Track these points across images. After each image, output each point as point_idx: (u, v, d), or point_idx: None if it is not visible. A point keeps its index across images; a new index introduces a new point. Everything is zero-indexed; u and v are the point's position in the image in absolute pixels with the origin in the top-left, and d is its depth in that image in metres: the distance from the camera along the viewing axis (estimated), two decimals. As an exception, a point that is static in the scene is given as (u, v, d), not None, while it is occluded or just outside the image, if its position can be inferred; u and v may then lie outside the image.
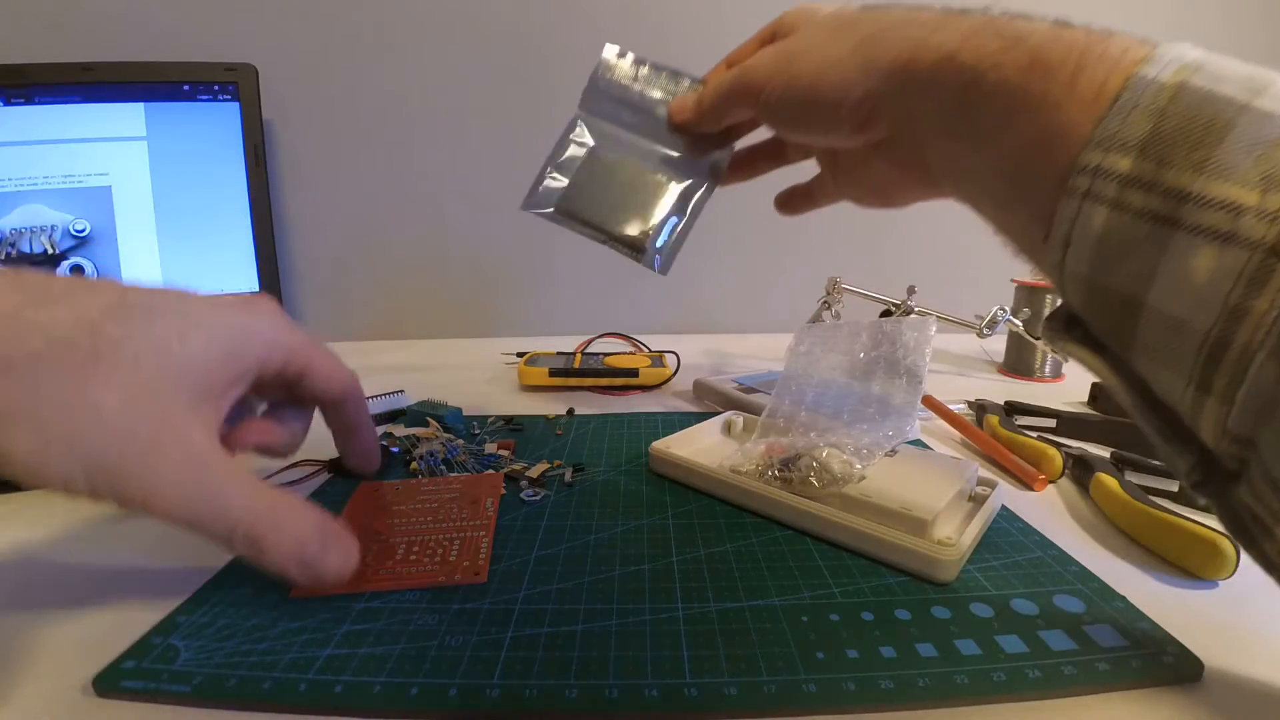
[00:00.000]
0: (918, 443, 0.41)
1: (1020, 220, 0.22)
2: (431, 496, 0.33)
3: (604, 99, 0.34)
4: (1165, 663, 0.21)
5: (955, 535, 0.28)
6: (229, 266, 0.64)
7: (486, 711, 0.19)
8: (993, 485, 0.33)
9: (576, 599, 0.25)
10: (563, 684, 0.20)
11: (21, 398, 0.19)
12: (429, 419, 0.42)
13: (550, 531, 0.30)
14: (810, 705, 0.20)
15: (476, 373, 0.60)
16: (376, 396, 0.46)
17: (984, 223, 0.24)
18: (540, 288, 0.80)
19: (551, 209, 0.33)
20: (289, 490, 0.28)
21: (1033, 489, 0.36)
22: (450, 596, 0.25)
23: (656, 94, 0.34)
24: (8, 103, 0.57)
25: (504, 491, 0.34)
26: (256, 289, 0.65)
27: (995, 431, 0.42)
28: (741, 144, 0.37)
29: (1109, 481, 0.32)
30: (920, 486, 0.30)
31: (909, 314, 0.59)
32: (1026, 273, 0.58)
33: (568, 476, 0.36)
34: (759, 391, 0.47)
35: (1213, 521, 0.24)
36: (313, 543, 0.23)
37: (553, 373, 0.54)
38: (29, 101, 0.58)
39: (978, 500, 0.32)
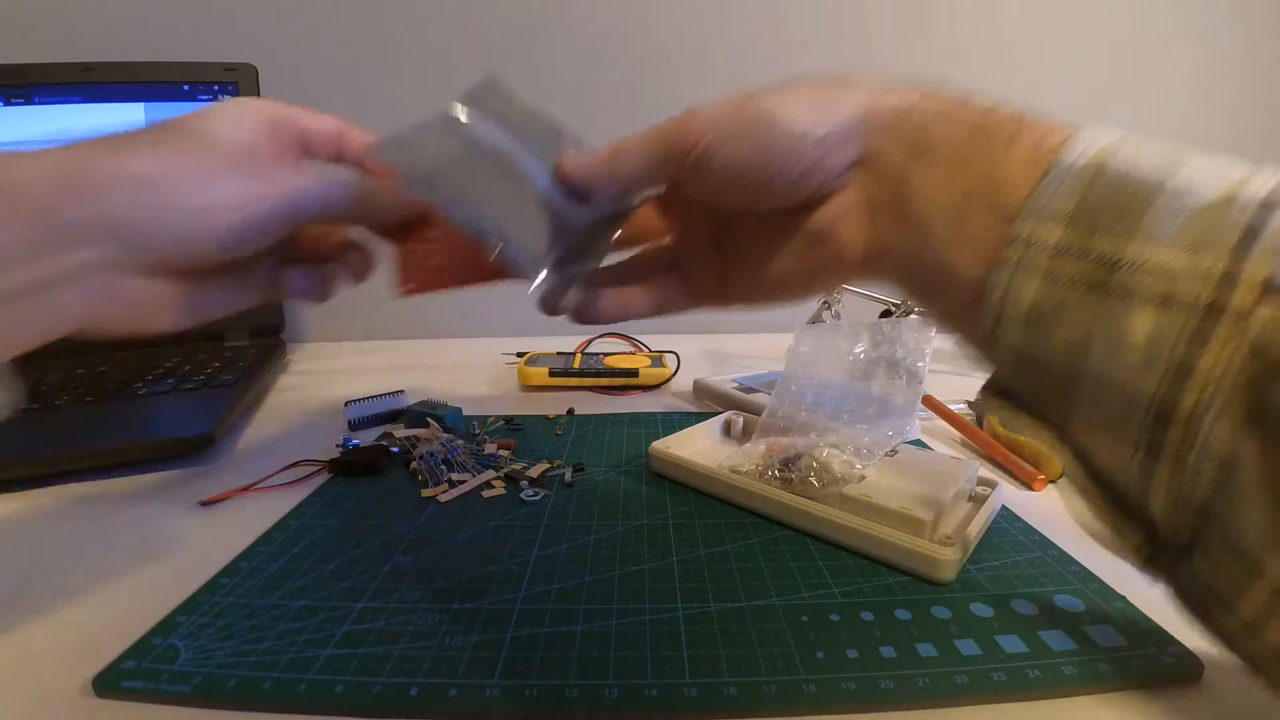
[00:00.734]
0: (918, 443, 0.41)
1: (951, 295, 0.22)
2: None
3: (488, 104, 0.27)
4: (1165, 663, 0.21)
5: (955, 535, 0.28)
6: (229, 266, 0.64)
7: (486, 711, 0.19)
8: (993, 485, 0.33)
9: (576, 599, 0.25)
10: (563, 684, 0.20)
11: (206, 174, 0.24)
12: (429, 419, 0.43)
13: (550, 531, 0.30)
14: (810, 705, 0.20)
15: (476, 373, 0.60)
16: (376, 397, 0.46)
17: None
18: (540, 288, 0.80)
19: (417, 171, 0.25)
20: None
21: (1033, 489, 0.36)
22: (450, 596, 0.25)
23: (533, 133, 0.27)
24: (8, 103, 0.57)
25: (504, 491, 0.34)
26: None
27: (995, 431, 0.42)
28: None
29: (1109, 481, 0.32)
30: (920, 486, 0.30)
31: (909, 314, 0.59)
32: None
33: (568, 476, 0.36)
34: (759, 391, 0.47)
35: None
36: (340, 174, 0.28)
37: (553, 373, 0.54)
38: (29, 101, 0.58)
39: (978, 500, 0.32)
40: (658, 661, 0.21)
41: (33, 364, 0.50)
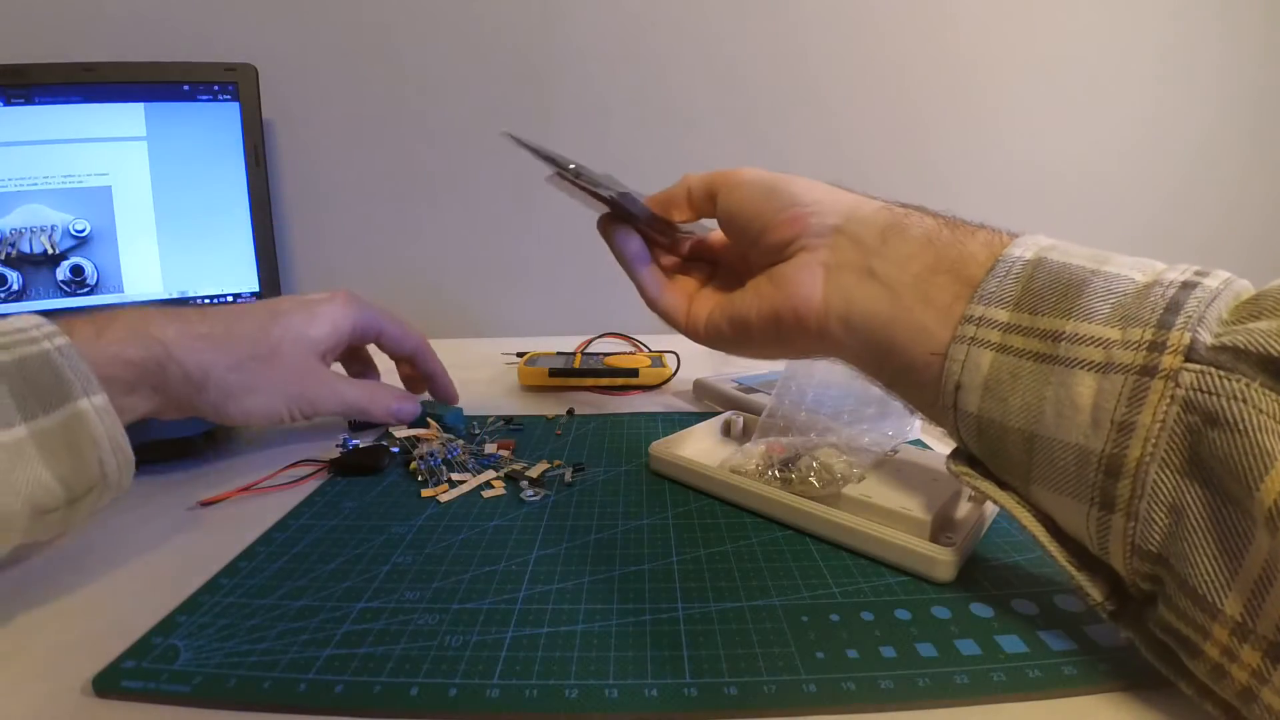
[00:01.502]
0: (918, 443, 0.41)
1: (916, 361, 0.24)
2: None
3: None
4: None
5: (955, 535, 0.28)
6: (229, 266, 0.64)
7: (486, 712, 0.19)
8: (993, 485, 0.32)
9: (576, 599, 0.25)
10: (563, 684, 0.20)
11: (251, 380, 0.34)
12: (429, 419, 0.43)
13: (550, 531, 0.30)
14: (810, 705, 0.20)
15: (476, 373, 0.60)
16: None
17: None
18: (540, 288, 0.80)
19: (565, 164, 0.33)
20: (376, 382, 0.45)
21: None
22: (450, 596, 0.25)
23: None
24: (8, 103, 0.57)
25: (504, 491, 0.34)
26: (256, 289, 0.65)
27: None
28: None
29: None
30: (920, 486, 0.30)
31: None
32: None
33: (568, 476, 0.36)
34: (759, 391, 0.47)
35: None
36: (394, 401, 0.42)
37: (553, 373, 0.54)
38: (29, 101, 0.58)
39: (978, 500, 0.32)
40: (658, 661, 0.21)
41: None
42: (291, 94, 0.71)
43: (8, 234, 0.57)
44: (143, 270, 0.61)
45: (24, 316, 0.25)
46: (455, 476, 0.36)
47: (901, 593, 0.25)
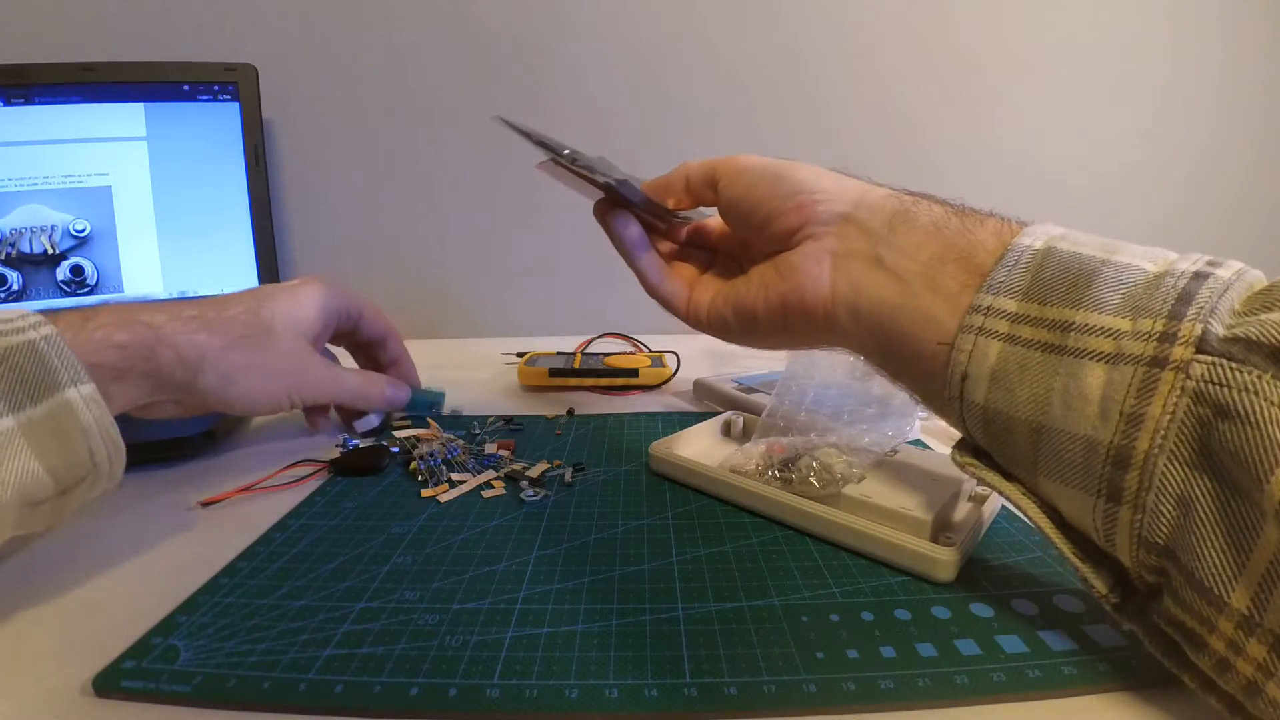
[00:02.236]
0: (918, 443, 0.41)
1: (923, 351, 0.24)
2: None
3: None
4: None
5: (955, 535, 0.28)
6: (229, 266, 0.64)
7: (486, 712, 0.19)
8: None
9: (576, 599, 0.25)
10: (563, 684, 0.20)
11: (248, 361, 0.33)
12: (429, 420, 0.43)
13: (550, 531, 0.30)
14: (810, 705, 0.20)
15: (476, 373, 0.60)
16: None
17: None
18: (540, 288, 0.80)
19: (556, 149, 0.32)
20: (366, 371, 0.43)
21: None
22: (450, 596, 0.25)
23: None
24: (8, 103, 0.57)
25: (504, 491, 0.34)
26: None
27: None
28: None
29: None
30: (920, 486, 0.30)
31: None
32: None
33: (568, 476, 0.36)
34: (759, 391, 0.47)
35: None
36: (388, 387, 0.42)
37: (553, 373, 0.54)
38: (29, 101, 0.58)
39: (978, 500, 0.32)
40: (658, 661, 0.21)
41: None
42: (291, 94, 0.71)
43: (8, 234, 0.57)
44: (143, 270, 0.61)
45: (9, 309, 0.25)
46: (455, 476, 0.36)
47: (901, 593, 0.25)
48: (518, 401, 0.51)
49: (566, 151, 0.31)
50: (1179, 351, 0.18)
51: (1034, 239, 0.22)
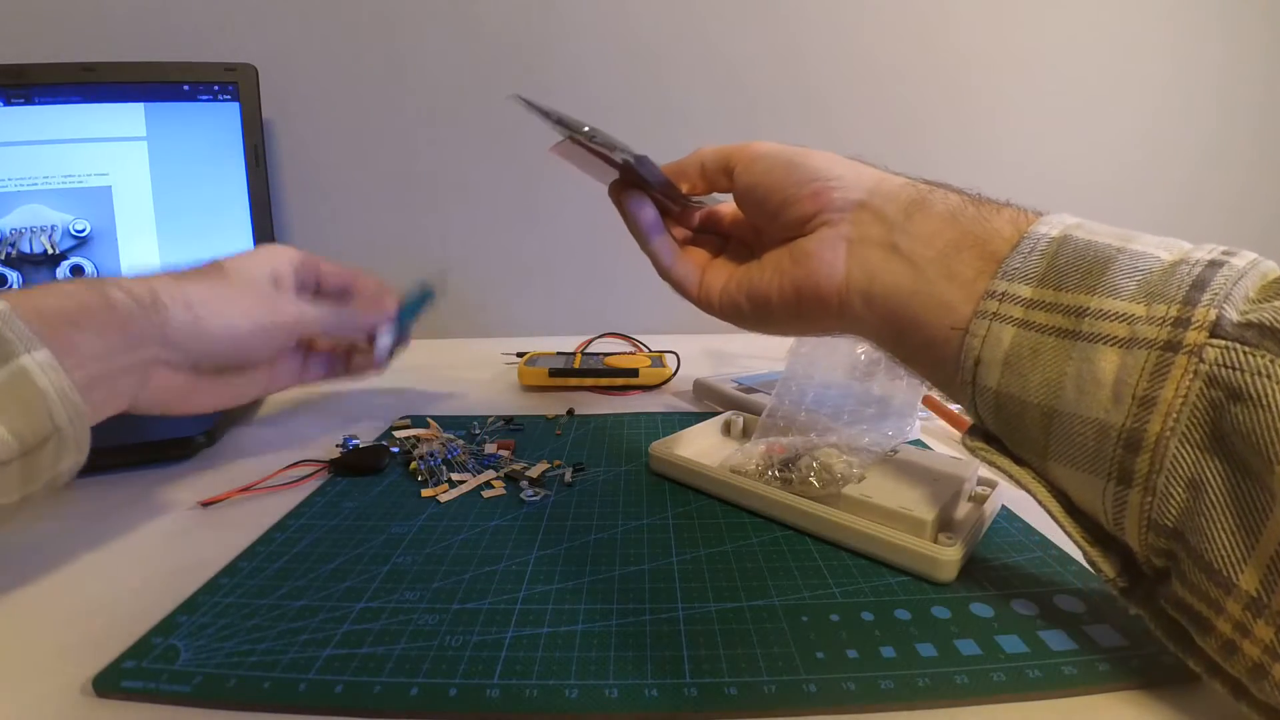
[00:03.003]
0: (918, 443, 0.41)
1: (937, 337, 0.24)
2: None
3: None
4: (1165, 663, 0.21)
5: (955, 535, 0.28)
6: (229, 266, 0.64)
7: (486, 712, 0.19)
8: (993, 485, 0.33)
9: (576, 599, 0.25)
10: (563, 684, 0.20)
11: (209, 294, 0.33)
12: (429, 419, 0.43)
13: (550, 531, 0.30)
14: (810, 705, 0.20)
15: (476, 373, 0.60)
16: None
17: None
18: (540, 288, 0.80)
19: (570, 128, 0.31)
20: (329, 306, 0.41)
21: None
22: (450, 596, 0.25)
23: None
24: (8, 103, 0.57)
25: (504, 491, 0.34)
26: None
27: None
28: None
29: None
30: (920, 486, 0.30)
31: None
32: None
33: (568, 476, 0.36)
34: (759, 391, 0.47)
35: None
36: (368, 316, 0.42)
37: (553, 373, 0.54)
38: (29, 101, 0.58)
39: (978, 500, 0.32)
40: (658, 661, 0.21)
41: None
42: (291, 94, 0.71)
43: (8, 234, 0.57)
44: (143, 270, 0.61)
45: None
46: (455, 476, 0.36)
47: (901, 593, 0.25)
48: (518, 401, 0.51)
49: (587, 129, 0.31)
50: (1193, 336, 0.18)
51: (1050, 227, 0.22)
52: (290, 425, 0.45)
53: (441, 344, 0.75)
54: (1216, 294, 0.18)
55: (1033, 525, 0.30)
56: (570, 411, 0.48)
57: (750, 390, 0.47)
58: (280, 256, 0.38)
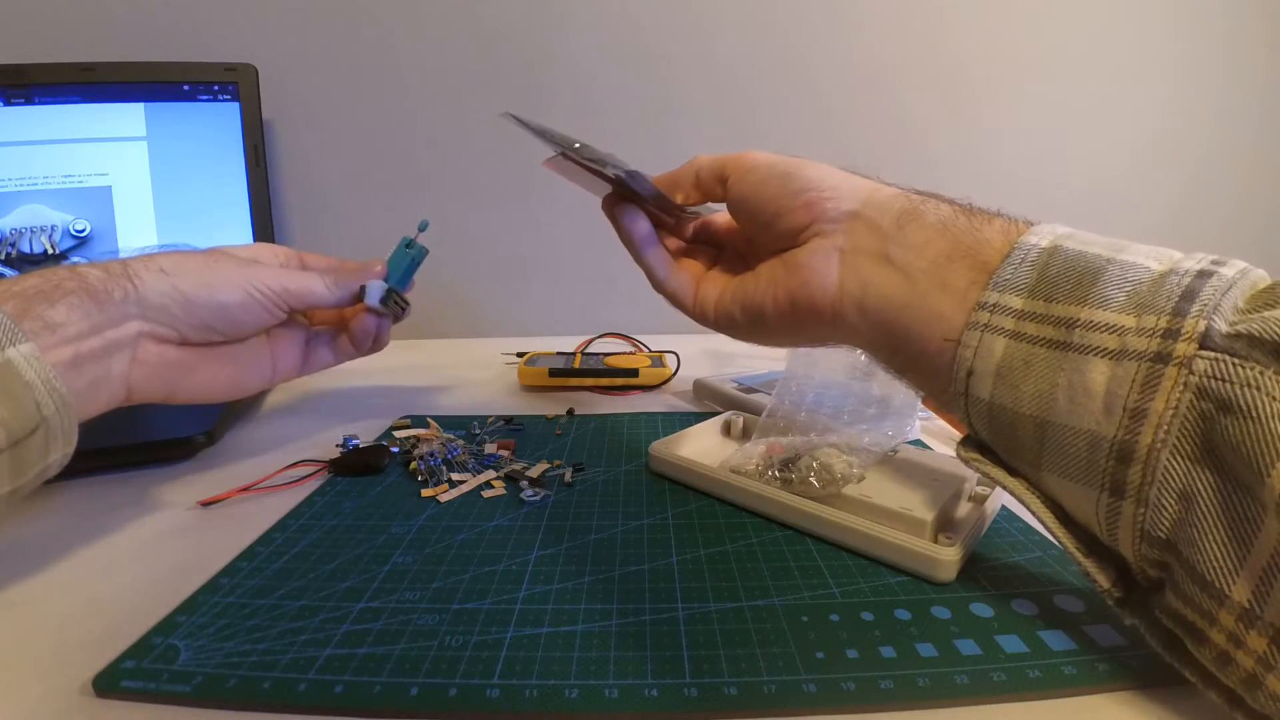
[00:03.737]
0: (918, 443, 0.41)
1: (930, 348, 0.24)
2: None
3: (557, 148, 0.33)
4: (1165, 663, 0.21)
5: (955, 535, 0.28)
6: (229, 266, 0.64)
7: (486, 711, 0.19)
8: (992, 485, 0.33)
9: (576, 599, 0.25)
10: (563, 684, 0.20)
11: (178, 259, 0.32)
12: (429, 419, 0.42)
13: (550, 531, 0.30)
14: (810, 705, 0.20)
15: (476, 373, 0.60)
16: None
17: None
18: (540, 288, 0.80)
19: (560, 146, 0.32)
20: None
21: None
22: (450, 596, 0.25)
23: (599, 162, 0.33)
24: (8, 103, 0.57)
25: (504, 491, 0.34)
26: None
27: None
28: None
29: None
30: (920, 486, 0.30)
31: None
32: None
33: (568, 476, 0.36)
34: (759, 391, 0.47)
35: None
36: (355, 278, 0.40)
37: (553, 373, 0.54)
38: (29, 101, 0.58)
39: (978, 500, 0.32)
40: (658, 661, 0.21)
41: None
42: (291, 94, 0.71)
43: (8, 234, 0.57)
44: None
45: None
46: (455, 476, 0.36)
47: (901, 593, 0.25)
48: (518, 401, 0.51)
49: (578, 145, 0.31)
50: (1182, 347, 0.18)
51: (1040, 237, 0.22)
52: (290, 425, 0.45)
53: (441, 344, 0.75)
54: (1205, 305, 0.18)
55: (1032, 525, 0.30)
56: (570, 411, 0.48)
57: (750, 390, 0.47)
58: (262, 247, 0.38)
